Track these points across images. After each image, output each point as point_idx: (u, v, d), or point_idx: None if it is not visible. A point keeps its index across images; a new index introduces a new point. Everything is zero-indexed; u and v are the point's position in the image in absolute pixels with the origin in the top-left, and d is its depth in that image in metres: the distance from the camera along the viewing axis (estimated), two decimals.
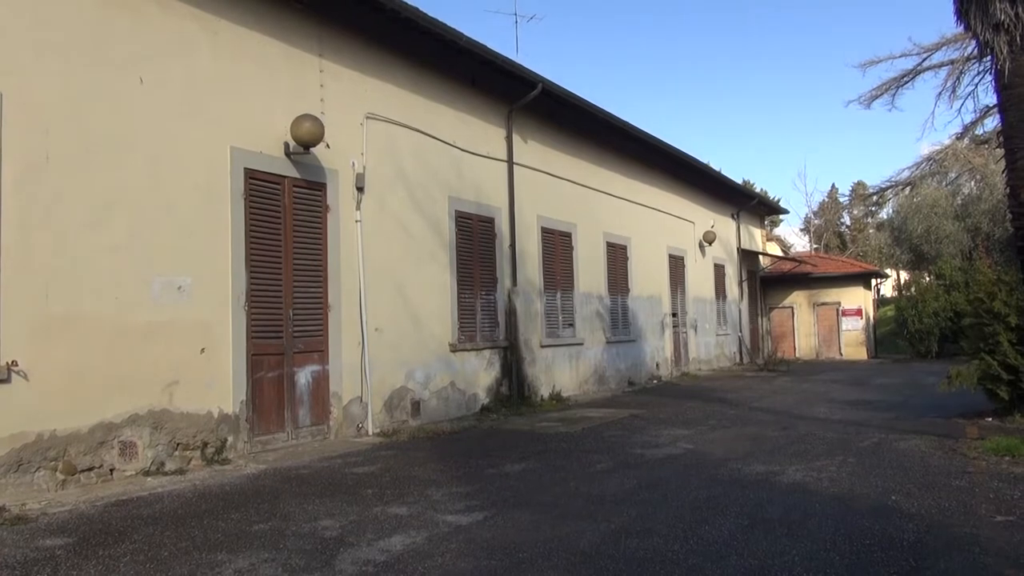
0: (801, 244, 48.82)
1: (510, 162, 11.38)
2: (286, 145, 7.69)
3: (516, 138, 11.55)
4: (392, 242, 9.04)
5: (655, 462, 6.64)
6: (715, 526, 4.48)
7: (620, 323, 14.55)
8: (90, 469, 5.83)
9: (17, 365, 5.40)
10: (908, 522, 4.46)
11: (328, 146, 8.06)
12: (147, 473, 6.15)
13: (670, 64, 73.39)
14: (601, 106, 12.72)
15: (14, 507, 5.06)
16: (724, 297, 20.36)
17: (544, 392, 11.73)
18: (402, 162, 9.28)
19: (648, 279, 15.84)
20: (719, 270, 20.06)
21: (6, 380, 5.35)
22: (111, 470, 5.97)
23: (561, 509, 5.00)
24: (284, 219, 7.68)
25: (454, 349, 9.92)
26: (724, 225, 20.65)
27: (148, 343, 6.31)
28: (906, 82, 21.61)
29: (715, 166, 19.32)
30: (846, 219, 56.16)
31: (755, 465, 6.33)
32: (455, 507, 5.04)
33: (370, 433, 8.35)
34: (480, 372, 10.45)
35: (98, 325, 5.97)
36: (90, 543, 4.31)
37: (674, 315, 17.04)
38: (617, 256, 14.59)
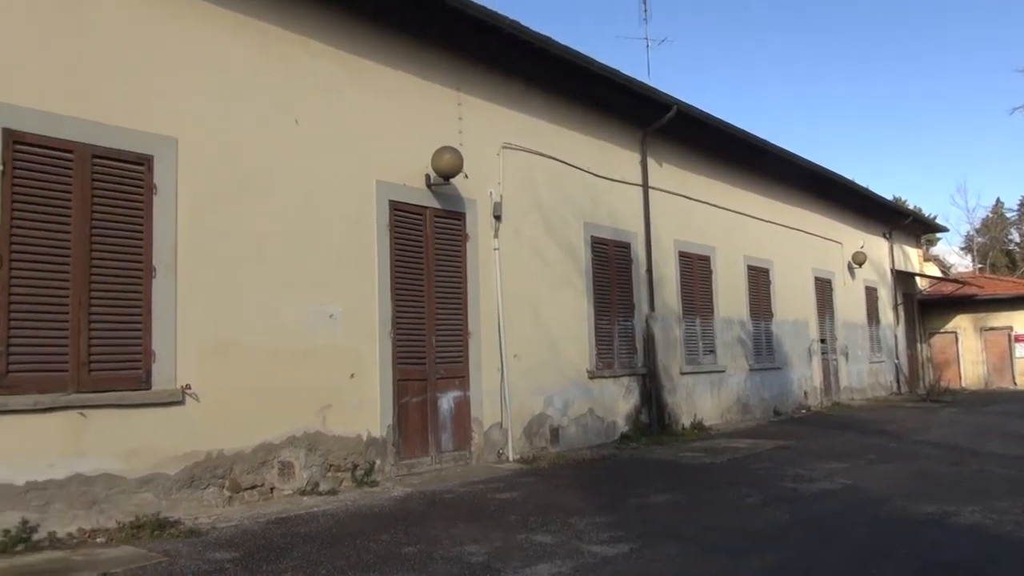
0: (963, 264, 45.15)
1: (645, 186, 11.25)
2: (427, 177, 7.96)
3: (651, 162, 11.41)
4: (529, 269, 9.13)
5: (809, 497, 6.26)
6: (882, 569, 4.14)
7: (764, 349, 13.94)
8: (253, 487, 6.19)
9: (190, 388, 5.84)
10: None
11: (467, 176, 8.28)
12: (303, 492, 6.45)
13: (805, 77, 70.34)
14: (737, 125, 12.37)
15: (187, 520, 5.44)
16: (877, 322, 19.09)
17: (685, 421, 11.39)
18: (537, 189, 9.38)
19: (793, 303, 15.12)
20: (871, 293, 18.86)
21: (180, 402, 5.79)
22: (271, 489, 6.31)
23: (710, 543, 4.79)
24: (426, 248, 7.93)
25: (592, 376, 9.83)
26: (875, 245, 19.43)
27: (303, 369, 6.65)
28: None
29: (862, 183, 18.19)
30: (1015, 236, 51.53)
31: (924, 504, 5.83)
32: (600, 537, 4.94)
33: (510, 459, 8.39)
34: (619, 399, 10.30)
35: (258, 352, 6.36)
36: (255, 558, 4.55)
37: (822, 341, 16.14)
38: (759, 280, 14.04)
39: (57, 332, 5.22)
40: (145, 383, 5.61)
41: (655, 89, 10.73)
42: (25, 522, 4.91)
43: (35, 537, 4.92)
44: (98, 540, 5.03)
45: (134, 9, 5.82)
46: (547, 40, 8.67)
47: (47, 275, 5.21)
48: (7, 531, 4.83)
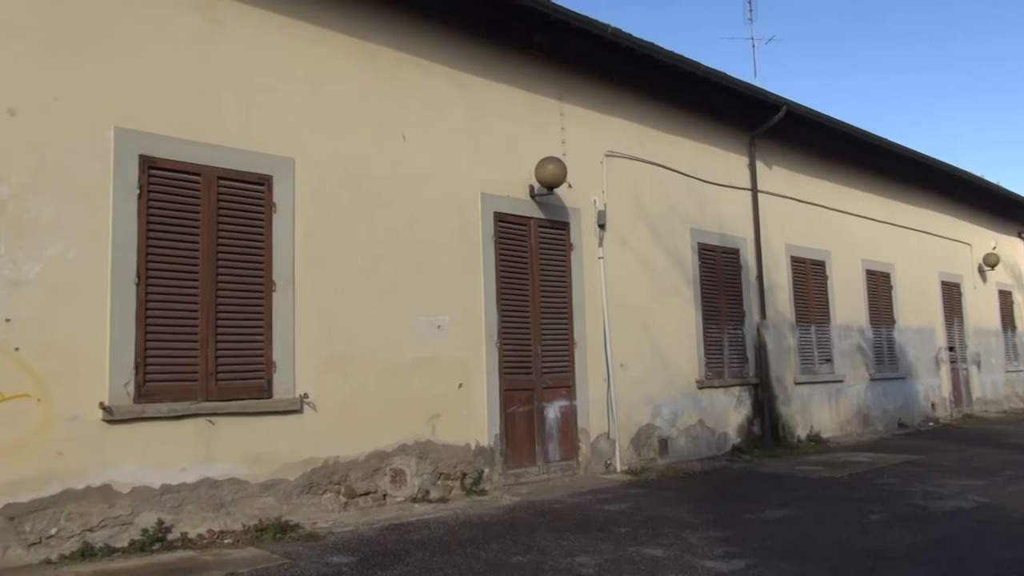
0: None
1: (754, 190, 10.91)
2: (531, 188, 8.01)
3: (759, 165, 11.06)
4: (634, 277, 9.02)
5: (941, 516, 5.87)
6: None
7: (885, 358, 13.21)
8: (367, 494, 6.37)
9: (308, 397, 6.08)
10: None
11: (570, 186, 8.27)
12: (414, 500, 6.59)
13: (924, 68, 66.33)
14: (852, 123, 11.82)
15: (307, 525, 5.66)
16: (1013, 328, 17.74)
17: (800, 433, 10.93)
18: (642, 197, 9.26)
19: (917, 309, 14.27)
20: (1005, 297, 17.56)
21: (299, 411, 6.04)
22: (384, 495, 6.48)
23: (832, 563, 4.56)
24: (530, 259, 7.97)
25: (701, 386, 9.59)
26: (1009, 246, 18.10)
27: (413, 378, 6.81)
28: None
29: (991, 178, 16.97)
30: None
31: None
32: (714, 552, 4.80)
33: (618, 470, 8.29)
34: (730, 410, 10.00)
35: (371, 362, 6.55)
36: (370, 563, 4.68)
37: (951, 349, 15.14)
38: (879, 284, 13.34)
39: (187, 344, 5.56)
40: (267, 392, 5.89)
41: (763, 90, 10.42)
42: (161, 522, 5.25)
43: (169, 537, 5.24)
44: (225, 541, 5.31)
45: (254, 40, 6.15)
46: (650, 46, 8.58)
47: (178, 291, 5.55)
48: (145, 531, 5.17)
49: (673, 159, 9.72)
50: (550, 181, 7.88)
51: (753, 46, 23.21)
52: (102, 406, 5.09)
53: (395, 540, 5.27)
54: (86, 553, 4.88)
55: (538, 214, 8.09)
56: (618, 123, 9.12)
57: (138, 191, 5.41)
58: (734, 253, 10.47)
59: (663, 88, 9.50)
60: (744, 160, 10.91)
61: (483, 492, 7.01)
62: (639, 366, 8.85)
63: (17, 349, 4.83)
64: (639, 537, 5.24)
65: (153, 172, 5.51)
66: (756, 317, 10.60)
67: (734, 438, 9.94)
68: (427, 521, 5.88)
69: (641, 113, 9.42)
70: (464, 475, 7.03)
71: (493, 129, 7.79)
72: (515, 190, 7.91)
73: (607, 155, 8.91)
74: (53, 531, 4.86)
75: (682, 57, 9.00)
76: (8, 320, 4.81)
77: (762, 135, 10.91)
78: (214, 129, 5.85)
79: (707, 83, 9.56)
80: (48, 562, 4.75)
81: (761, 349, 10.54)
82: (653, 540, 5.14)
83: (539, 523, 5.79)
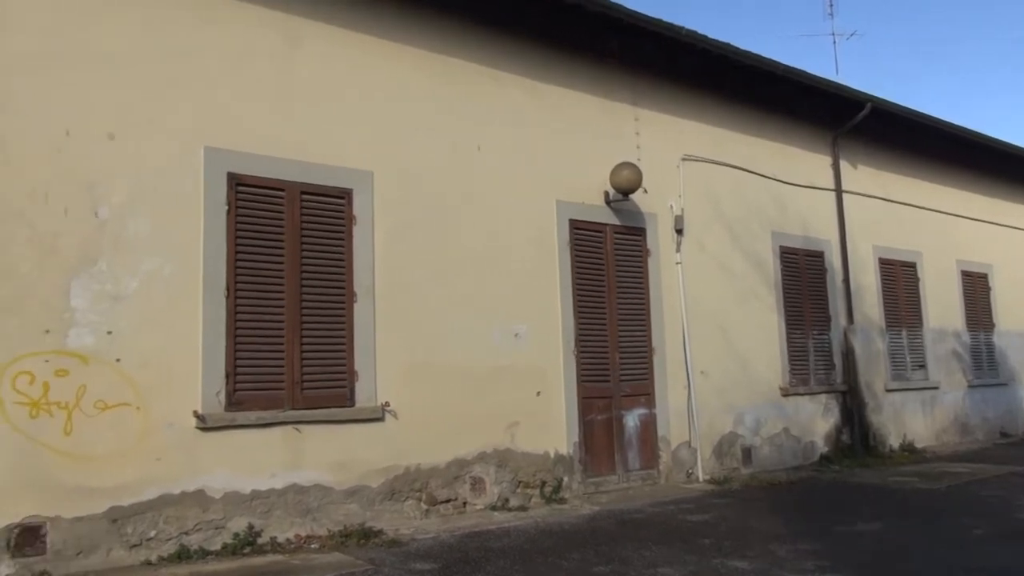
0: None
1: (838, 190, 10.55)
2: (606, 194, 7.96)
3: (844, 164, 10.69)
4: (713, 282, 8.84)
5: None
6: None
7: (984, 363, 12.53)
8: (447, 501, 6.44)
9: (389, 406, 6.19)
10: None
11: (646, 191, 8.18)
12: (494, 508, 6.61)
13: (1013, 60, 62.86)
14: (943, 118, 11.29)
15: (389, 531, 5.75)
16: None
17: (893, 442, 10.47)
18: (720, 200, 9.08)
19: (1020, 312, 13.48)
20: None
21: (381, 419, 6.16)
22: (464, 503, 6.52)
23: None
24: (607, 265, 7.91)
25: (785, 393, 9.31)
26: None
27: (491, 386, 6.84)
28: None
29: None
30: None
31: None
32: (803, 566, 4.63)
33: (700, 480, 8.12)
34: (816, 418, 9.67)
35: (449, 370, 6.62)
36: (452, 570, 4.72)
37: None
38: (976, 286, 12.67)
39: (274, 354, 5.74)
40: (349, 401, 6.02)
41: (846, 87, 10.08)
42: (251, 527, 5.43)
43: (259, 541, 5.41)
44: (312, 546, 5.44)
45: (332, 57, 6.32)
46: (725, 46, 8.42)
47: (265, 302, 5.75)
48: (236, 534, 5.35)
49: (752, 161, 9.49)
50: (625, 187, 7.81)
51: (834, 42, 22.48)
52: (196, 414, 5.31)
53: (476, 548, 5.29)
54: (182, 555, 5.09)
55: (614, 220, 8.03)
56: (694, 126, 8.98)
57: (227, 207, 5.63)
58: (818, 256, 10.14)
59: (740, 89, 9.30)
60: (827, 160, 10.57)
61: (562, 500, 6.98)
62: (720, 373, 8.66)
63: (118, 360, 5.09)
64: (724, 549, 5.11)
65: (240, 189, 5.73)
66: (843, 321, 10.23)
67: (822, 447, 9.61)
68: (507, 529, 5.90)
69: (718, 115, 9.24)
70: (543, 483, 7.02)
71: (567, 136, 7.79)
72: (590, 197, 7.88)
73: (683, 159, 8.77)
74: (152, 534, 5.09)
75: (759, 56, 8.80)
76: (110, 333, 5.08)
77: (846, 134, 10.54)
78: (296, 145, 6.04)
79: (786, 82, 9.31)
80: (148, 563, 4.98)
81: (849, 355, 10.16)
82: (738, 552, 5.00)
83: (620, 533, 5.73)
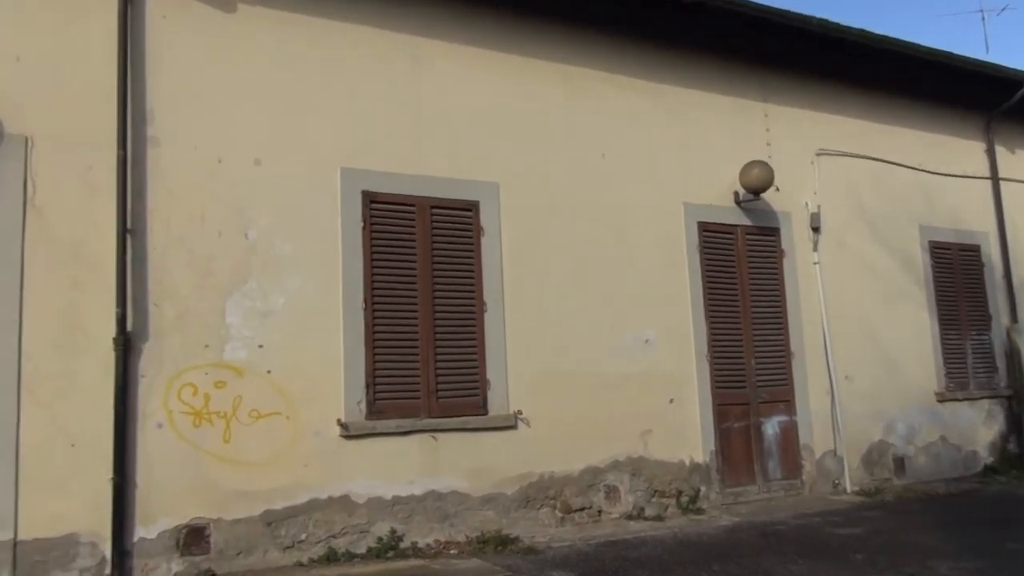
0: None
1: (995, 178, 9.73)
2: (735, 194, 7.72)
3: (1000, 149, 9.85)
4: (855, 282, 8.36)
5: None
6: None
7: None
8: (582, 509, 6.41)
9: (521, 414, 6.25)
10: None
11: (778, 189, 7.86)
12: (629, 517, 6.52)
13: None
14: None
15: (525, 539, 5.80)
16: None
17: None
18: (860, 195, 8.59)
19: None
20: None
21: (513, 427, 6.23)
22: (599, 511, 6.48)
23: None
24: (739, 267, 7.66)
25: (941, 399, 8.66)
26: None
27: (622, 394, 6.77)
28: None
29: None
30: None
31: None
32: None
33: (848, 491, 7.68)
34: (977, 425, 8.93)
35: (579, 378, 6.61)
36: None
37: None
38: None
39: (410, 364, 5.93)
40: (482, 409, 6.13)
41: (999, 66, 9.28)
42: (393, 531, 5.62)
43: (401, 545, 5.60)
44: (451, 552, 5.57)
45: (455, 74, 6.48)
46: (861, 33, 7.97)
47: (400, 314, 5.95)
48: (380, 538, 5.56)
49: (895, 152, 8.93)
50: (756, 186, 7.55)
51: (983, 19, 20.74)
52: (339, 422, 5.57)
53: (613, 557, 5.24)
54: (330, 557, 5.34)
55: (744, 221, 7.77)
56: (830, 119, 8.55)
57: (361, 224, 5.89)
58: (973, 250, 9.38)
59: (879, 77, 8.77)
60: (980, 146, 9.78)
61: (700, 511, 6.80)
62: (866, 377, 8.17)
63: (269, 372, 5.42)
64: (878, 564, 4.81)
65: (374, 206, 5.97)
66: (1005, 320, 9.41)
67: (985, 457, 8.87)
68: (644, 539, 5.80)
69: (855, 106, 8.76)
70: (680, 493, 6.86)
71: (692, 137, 7.61)
72: (719, 198, 7.66)
73: (818, 153, 8.37)
74: (303, 536, 5.37)
75: (898, 41, 8.27)
76: (261, 346, 5.42)
77: (1001, 116, 9.71)
78: (424, 161, 6.24)
79: (931, 65, 8.69)
80: (300, 564, 5.25)
81: (1014, 356, 9.32)
82: (895, 569, 4.69)
83: (763, 545, 5.50)
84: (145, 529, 4.95)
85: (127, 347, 4.99)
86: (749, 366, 7.53)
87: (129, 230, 5.10)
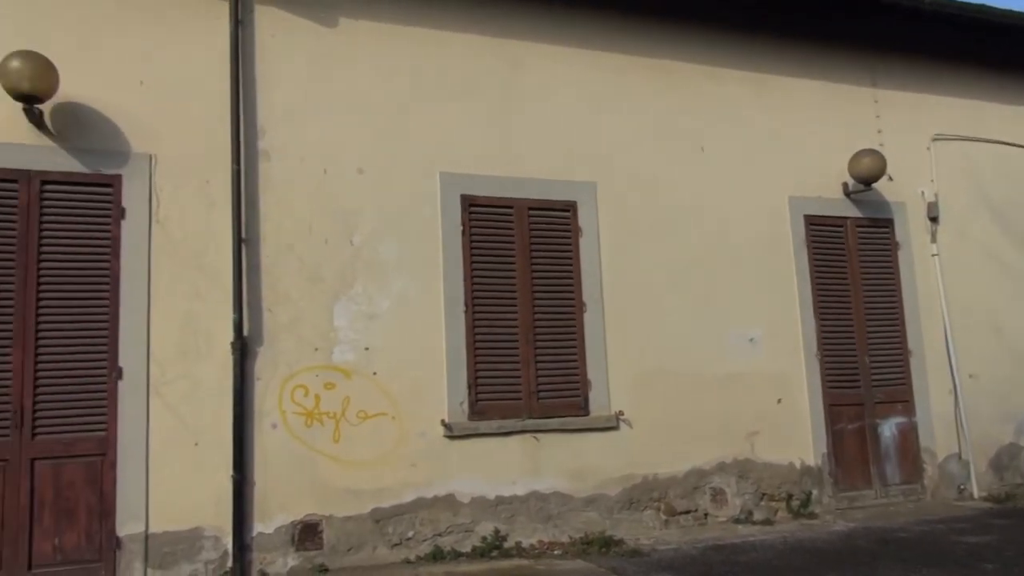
0: None
1: None
2: (844, 185, 7.39)
3: None
4: (979, 274, 7.84)
5: None
6: None
7: None
8: (687, 512, 6.29)
9: (623, 414, 6.19)
10: None
11: (891, 178, 7.48)
12: (736, 520, 6.35)
13: None
14: None
15: (629, 541, 5.74)
16: None
17: None
18: (983, 181, 8.05)
19: None
20: None
21: (615, 427, 6.17)
22: (704, 514, 6.33)
23: None
24: (849, 261, 7.32)
25: None
26: None
27: (726, 394, 6.59)
28: None
29: None
30: None
31: None
32: None
33: (975, 496, 7.22)
34: None
35: (682, 378, 6.48)
36: None
37: None
38: None
39: (511, 365, 5.98)
40: (583, 410, 6.10)
41: None
42: (497, 531, 5.67)
43: (505, 545, 5.64)
44: (555, 552, 5.57)
45: (550, 75, 6.48)
46: (979, 8, 7.46)
47: (500, 315, 6.01)
48: (484, 538, 5.62)
49: (1019, 134, 8.32)
50: (867, 175, 7.20)
51: None
52: (443, 423, 5.67)
53: (720, 561, 5.11)
54: (437, 555, 5.45)
55: (855, 213, 7.42)
56: (947, 102, 8.06)
57: (461, 227, 5.98)
58: None
59: (1000, 54, 8.20)
60: None
61: (812, 515, 6.54)
62: (993, 376, 7.65)
63: (375, 373, 5.59)
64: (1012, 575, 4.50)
65: (473, 209, 6.05)
66: None
67: None
68: (752, 543, 5.63)
69: (974, 87, 8.22)
70: (790, 496, 6.62)
71: (796, 128, 7.34)
72: (826, 189, 7.35)
73: (935, 139, 7.91)
74: (410, 534, 5.50)
75: (1021, 14, 7.70)
76: (367, 349, 5.59)
77: None
78: (521, 163, 6.27)
79: None
80: (407, 562, 5.38)
81: None
82: None
83: (881, 552, 5.24)
84: (263, 524, 5.19)
85: (244, 351, 5.25)
86: (863, 365, 7.19)
87: (244, 240, 5.37)
